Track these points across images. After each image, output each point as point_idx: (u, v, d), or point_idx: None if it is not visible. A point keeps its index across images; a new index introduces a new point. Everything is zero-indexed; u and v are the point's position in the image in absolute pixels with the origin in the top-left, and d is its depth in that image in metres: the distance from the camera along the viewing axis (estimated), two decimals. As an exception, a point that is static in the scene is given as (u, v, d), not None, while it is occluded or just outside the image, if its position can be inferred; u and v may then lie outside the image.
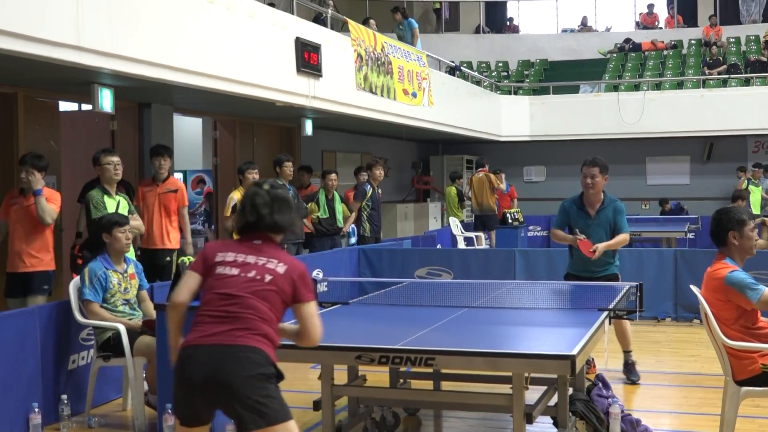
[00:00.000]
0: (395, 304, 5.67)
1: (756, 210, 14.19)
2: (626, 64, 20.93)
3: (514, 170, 19.15)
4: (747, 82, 18.74)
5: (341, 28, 11.88)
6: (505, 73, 21.78)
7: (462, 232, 14.61)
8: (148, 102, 9.86)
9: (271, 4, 10.31)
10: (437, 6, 23.11)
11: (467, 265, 10.06)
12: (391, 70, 12.18)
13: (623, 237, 6.52)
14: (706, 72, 19.31)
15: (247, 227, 3.58)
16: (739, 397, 4.53)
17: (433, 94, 13.82)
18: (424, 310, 5.37)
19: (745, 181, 15.43)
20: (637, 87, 19.11)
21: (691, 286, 4.91)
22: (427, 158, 19.82)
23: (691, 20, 22.52)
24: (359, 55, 11.20)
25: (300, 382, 6.75)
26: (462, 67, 17.87)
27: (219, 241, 3.62)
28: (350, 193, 11.69)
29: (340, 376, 4.85)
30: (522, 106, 18.79)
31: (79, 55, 6.39)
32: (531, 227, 16.82)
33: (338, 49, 10.74)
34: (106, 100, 7.58)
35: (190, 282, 3.50)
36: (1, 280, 6.93)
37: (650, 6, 22.83)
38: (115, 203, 6.87)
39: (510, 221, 14.63)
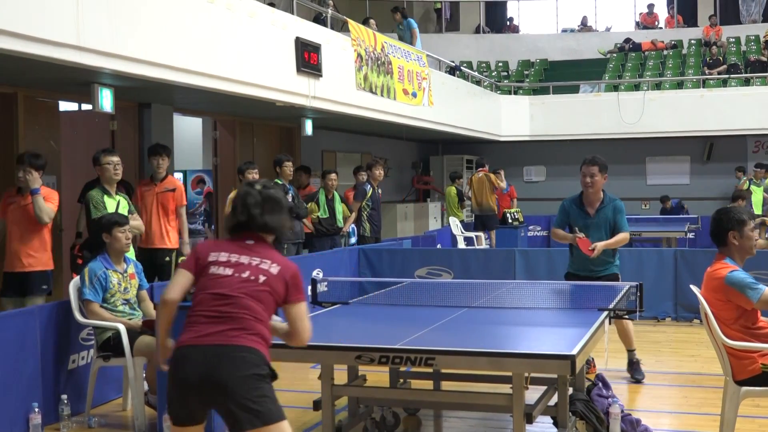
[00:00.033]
0: (395, 304, 5.67)
1: (758, 210, 14.19)
2: (626, 64, 20.93)
3: (514, 170, 19.14)
4: (747, 82, 18.74)
5: (341, 28, 11.88)
6: (505, 73, 21.79)
7: (462, 232, 14.61)
8: (148, 102, 9.86)
9: (271, 4, 10.31)
10: (438, 6, 23.11)
11: (467, 265, 10.06)
12: (391, 70, 12.18)
13: (623, 236, 6.53)
14: (706, 72, 19.31)
15: (238, 227, 3.58)
16: (739, 397, 4.53)
17: (433, 94, 13.82)
18: (424, 310, 5.37)
19: (747, 182, 15.41)
20: (637, 87, 19.11)
21: (691, 286, 4.91)
22: (427, 158, 19.82)
23: (691, 20, 22.53)
24: (359, 55, 11.20)
25: (300, 382, 6.75)
26: (462, 67, 17.87)
27: (211, 240, 3.63)
28: (350, 193, 11.69)
29: (340, 376, 4.85)
30: (522, 106, 18.79)
31: (79, 55, 6.39)
32: (531, 227, 16.83)
33: (338, 49, 10.74)
34: (106, 100, 7.58)
35: (182, 280, 3.49)
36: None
37: (650, 6, 22.84)
38: (115, 203, 6.87)
39: (510, 221, 14.63)
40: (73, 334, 5.96)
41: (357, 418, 5.06)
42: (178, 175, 11.95)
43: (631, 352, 6.69)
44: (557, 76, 20.74)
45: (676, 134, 18.04)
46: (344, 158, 15.59)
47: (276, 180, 9.45)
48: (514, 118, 18.57)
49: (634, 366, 6.67)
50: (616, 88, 18.98)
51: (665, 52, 21.16)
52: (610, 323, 5.06)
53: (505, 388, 4.42)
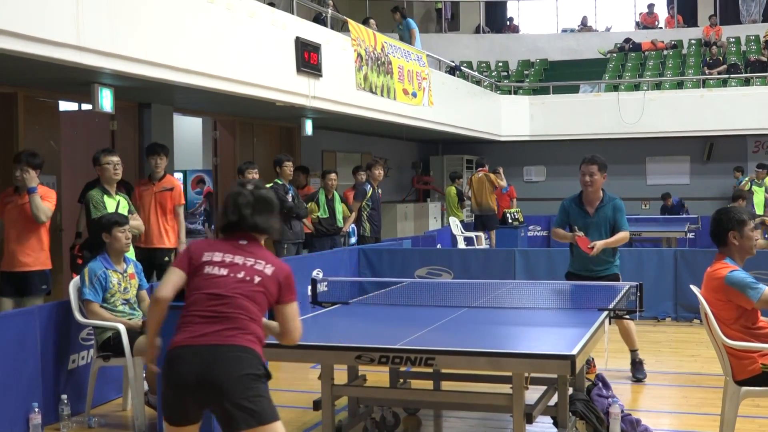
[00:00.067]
0: (395, 304, 5.67)
1: (759, 211, 14.19)
2: (626, 64, 20.93)
3: (514, 170, 19.14)
4: (747, 82, 18.74)
5: (341, 28, 11.88)
6: (505, 73, 21.79)
7: (462, 232, 14.61)
8: (148, 102, 9.86)
9: (271, 4, 10.31)
10: (439, 6, 23.11)
11: (467, 265, 10.06)
12: (391, 70, 12.18)
13: (623, 235, 6.53)
14: (706, 72, 19.31)
15: (229, 227, 3.59)
16: (739, 397, 4.53)
17: (433, 94, 13.82)
18: (424, 310, 5.37)
19: (749, 183, 15.39)
20: (637, 87, 19.11)
21: (691, 286, 4.91)
22: (427, 158, 19.82)
23: (691, 20, 22.53)
24: (359, 55, 11.20)
25: (300, 382, 6.75)
26: (462, 67, 17.87)
27: (203, 240, 3.63)
28: (349, 193, 11.70)
29: (340, 376, 4.85)
30: (522, 106, 18.79)
31: (80, 55, 6.39)
32: (531, 227, 16.82)
33: (338, 49, 10.74)
34: (106, 100, 7.58)
35: (174, 279, 3.49)
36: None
37: (650, 6, 22.84)
38: (115, 203, 6.87)
39: (510, 221, 14.63)
40: (73, 334, 5.97)
41: (357, 418, 5.06)
42: (178, 175, 11.96)
43: (634, 352, 6.70)
44: (557, 76, 20.74)
45: (676, 134, 18.04)
46: (344, 158, 15.59)
47: (276, 180, 9.46)
48: (514, 118, 18.58)
49: (636, 366, 6.68)
50: (616, 88, 18.98)
51: (665, 52, 21.16)
52: (610, 323, 5.06)
53: (505, 388, 4.42)
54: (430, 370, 5.43)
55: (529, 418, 4.24)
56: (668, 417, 5.86)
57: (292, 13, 10.09)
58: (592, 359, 6.50)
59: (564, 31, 23.17)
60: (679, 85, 19.06)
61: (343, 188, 12.19)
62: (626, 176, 18.08)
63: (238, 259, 3.47)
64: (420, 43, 14.67)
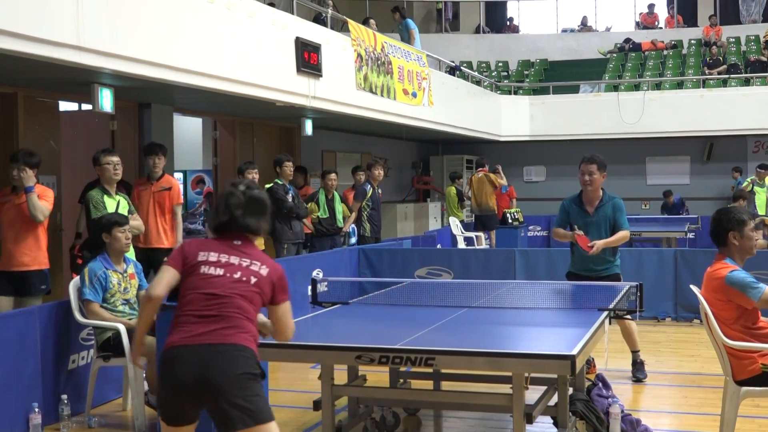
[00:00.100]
0: (395, 304, 5.67)
1: (762, 211, 14.18)
2: (626, 64, 20.93)
3: (514, 170, 19.13)
4: (747, 82, 18.74)
5: (341, 28, 11.88)
6: (505, 73, 21.78)
7: (462, 232, 14.61)
8: (148, 102, 9.86)
9: (271, 4, 10.31)
10: (440, 6, 23.10)
11: (467, 265, 10.06)
12: (391, 70, 12.18)
13: (623, 234, 6.53)
14: (706, 72, 19.31)
15: (221, 227, 3.59)
16: (739, 397, 4.53)
17: (433, 94, 13.82)
18: (424, 310, 5.37)
19: (750, 184, 15.35)
20: (637, 87, 19.11)
21: (691, 286, 4.91)
22: (427, 158, 19.82)
23: (691, 20, 22.53)
24: (359, 55, 11.20)
25: (300, 382, 6.75)
26: (462, 67, 17.87)
27: (197, 239, 3.63)
28: (348, 193, 11.70)
29: (340, 376, 4.85)
30: (522, 106, 18.79)
31: (79, 55, 6.39)
32: (531, 227, 16.81)
33: (338, 49, 10.74)
34: (106, 100, 7.58)
35: (168, 277, 3.49)
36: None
37: (650, 6, 22.84)
38: (115, 203, 6.86)
39: (510, 221, 14.62)
40: (73, 334, 5.96)
41: (357, 418, 5.06)
42: (178, 175, 11.96)
43: (635, 353, 6.70)
44: (557, 76, 20.74)
45: (676, 134, 18.04)
46: (344, 158, 15.60)
47: (276, 180, 9.46)
48: (514, 118, 18.57)
49: (637, 366, 6.68)
50: (616, 88, 18.98)
51: (665, 52, 21.17)
52: (610, 323, 5.06)
53: (505, 388, 4.42)
54: (430, 370, 5.43)
55: (529, 418, 4.24)
56: (668, 417, 5.86)
57: (292, 13, 10.09)
58: (592, 359, 6.50)
59: (564, 31, 23.18)
60: (679, 85, 19.06)
61: (342, 188, 12.19)
62: (626, 176, 18.08)
63: (234, 260, 3.49)
64: (419, 44, 14.67)
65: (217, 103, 10.30)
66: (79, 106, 9.91)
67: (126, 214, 6.59)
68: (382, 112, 12.03)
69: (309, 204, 10.32)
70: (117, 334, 5.64)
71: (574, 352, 3.86)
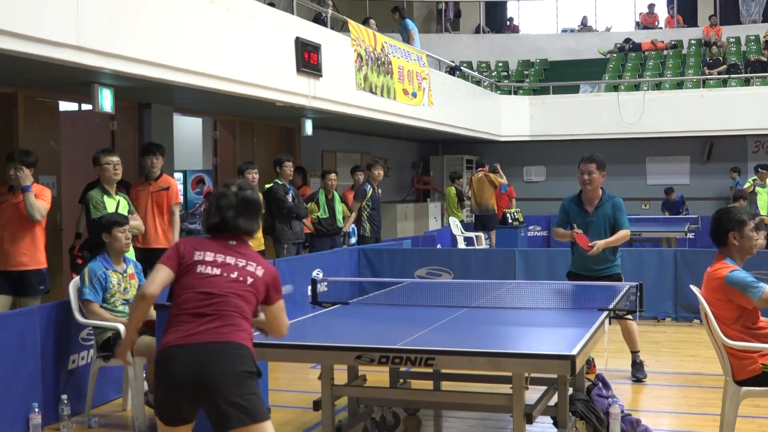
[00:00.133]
0: (395, 304, 5.67)
1: (764, 212, 14.17)
2: (626, 64, 20.93)
3: (514, 170, 19.13)
4: (747, 82, 18.74)
5: (341, 28, 11.88)
6: (505, 73, 21.79)
7: (462, 232, 14.61)
8: (148, 102, 9.86)
9: (271, 4, 10.31)
10: (441, 6, 23.10)
11: (467, 265, 10.06)
12: (391, 70, 12.18)
13: (623, 233, 6.53)
14: (706, 72, 19.31)
15: (212, 228, 3.59)
16: (739, 397, 4.53)
17: (433, 94, 13.82)
18: (424, 310, 5.37)
19: (752, 185, 15.33)
20: (637, 87, 19.11)
21: (691, 286, 4.91)
22: (427, 158, 19.82)
23: (691, 20, 22.53)
24: (359, 55, 11.20)
25: (300, 382, 6.75)
26: (462, 67, 17.87)
27: (192, 238, 3.63)
28: (348, 193, 11.69)
29: (340, 376, 4.85)
30: (522, 106, 18.79)
31: (79, 55, 6.39)
32: (531, 227, 16.82)
33: (338, 49, 10.74)
34: (106, 100, 7.57)
35: (163, 276, 3.49)
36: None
37: (650, 6, 22.84)
38: (115, 203, 6.86)
39: (510, 221, 14.63)
40: (73, 334, 5.96)
41: (357, 418, 5.05)
42: (178, 175, 11.96)
43: (635, 353, 6.70)
44: (557, 76, 20.74)
45: (676, 134, 18.04)
46: (344, 158, 15.60)
47: (276, 180, 9.46)
48: (514, 118, 18.58)
49: (637, 366, 6.68)
50: (616, 88, 18.98)
51: (665, 52, 21.17)
52: (610, 323, 5.06)
53: (505, 388, 4.42)
54: (430, 370, 5.43)
55: (529, 418, 4.24)
56: (668, 417, 5.86)
57: (292, 13, 10.09)
58: (592, 359, 6.50)
59: (564, 31, 23.18)
60: (679, 85, 19.06)
61: (342, 188, 12.19)
62: (626, 176, 18.08)
63: (230, 260, 3.50)
64: (419, 44, 14.67)
65: (217, 103, 10.30)
66: (79, 106, 9.91)
67: (126, 214, 6.59)
68: (382, 112, 12.03)
69: (309, 204, 10.32)
70: (117, 334, 5.63)
71: (574, 352, 3.86)
